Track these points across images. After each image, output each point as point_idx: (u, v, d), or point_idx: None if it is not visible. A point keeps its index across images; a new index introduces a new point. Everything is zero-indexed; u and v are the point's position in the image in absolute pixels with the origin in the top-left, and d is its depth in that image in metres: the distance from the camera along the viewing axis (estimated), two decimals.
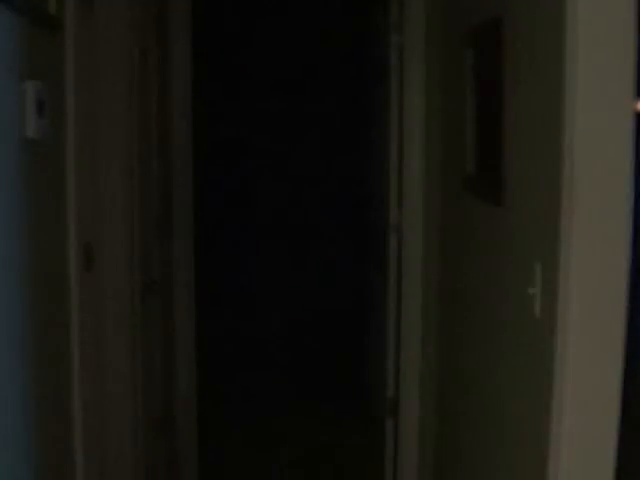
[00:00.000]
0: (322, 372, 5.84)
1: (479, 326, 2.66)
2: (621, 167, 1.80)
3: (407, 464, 3.58)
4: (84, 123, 2.46)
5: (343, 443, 4.65)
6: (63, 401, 2.25)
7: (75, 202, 2.31)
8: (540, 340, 1.97)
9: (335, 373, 5.78)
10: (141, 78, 3.08)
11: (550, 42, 1.91)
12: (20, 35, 1.84)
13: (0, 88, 1.72)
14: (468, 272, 2.86)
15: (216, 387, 5.22)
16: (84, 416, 2.36)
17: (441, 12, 3.28)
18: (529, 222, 2.09)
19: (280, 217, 6.36)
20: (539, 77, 2.01)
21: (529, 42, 2.10)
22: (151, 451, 3.29)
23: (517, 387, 2.20)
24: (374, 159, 4.20)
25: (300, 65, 6.19)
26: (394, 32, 3.48)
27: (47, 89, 2.01)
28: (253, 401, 5.33)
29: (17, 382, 1.83)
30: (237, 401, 5.31)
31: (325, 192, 6.30)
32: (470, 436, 2.80)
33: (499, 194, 2.33)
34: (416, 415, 3.54)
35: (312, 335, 6.29)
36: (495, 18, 2.36)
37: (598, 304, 1.82)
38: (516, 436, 2.20)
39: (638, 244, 2.00)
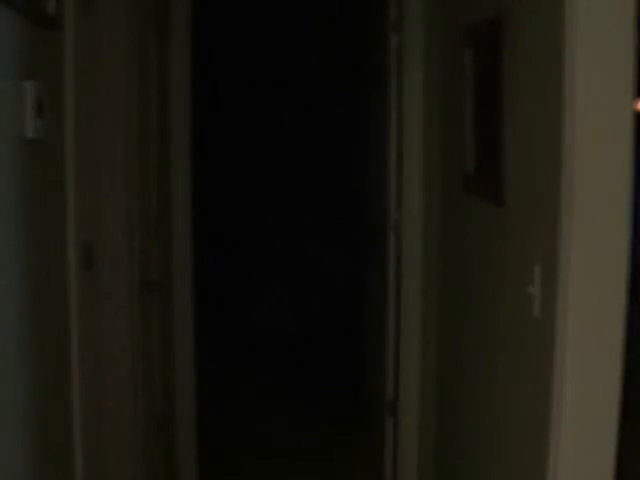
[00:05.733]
0: (322, 372, 5.84)
1: (478, 326, 2.66)
2: (621, 167, 1.80)
3: (407, 464, 3.58)
4: (83, 123, 2.46)
5: (343, 443, 4.65)
6: (63, 401, 2.25)
7: (75, 202, 2.30)
8: (539, 340, 1.97)
9: (335, 373, 5.78)
10: (141, 77, 3.08)
11: (550, 42, 1.91)
12: (19, 35, 1.84)
13: None
14: (468, 272, 2.86)
15: (216, 387, 5.22)
16: (84, 416, 2.36)
17: (440, 12, 3.28)
18: (529, 222, 2.09)
19: (280, 217, 6.36)
20: (539, 77, 2.01)
21: (529, 42, 2.10)
22: (151, 451, 3.29)
23: (516, 387, 2.20)
24: (374, 159, 4.20)
25: (299, 65, 6.19)
26: (393, 32, 3.47)
27: (46, 89, 2.01)
28: (253, 401, 5.33)
29: (17, 382, 1.82)
30: (237, 401, 5.31)
31: (324, 192, 6.30)
32: (470, 436, 2.80)
33: (499, 194, 2.33)
34: (416, 415, 3.54)
35: (312, 335, 6.29)
36: (494, 18, 2.36)
37: (597, 304, 1.82)
38: (516, 436, 2.20)
39: (638, 244, 2.00)
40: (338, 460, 4.44)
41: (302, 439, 4.72)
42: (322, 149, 6.25)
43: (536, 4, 2.04)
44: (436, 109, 3.35)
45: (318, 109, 6.22)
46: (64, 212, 2.27)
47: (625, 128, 1.79)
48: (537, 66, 2.03)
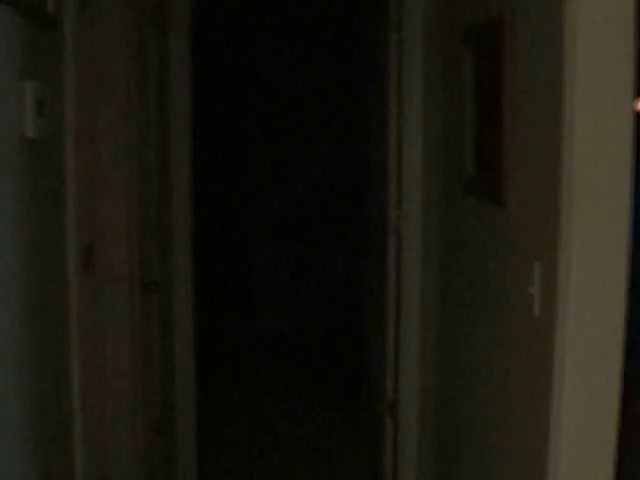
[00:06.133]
0: (322, 372, 5.85)
1: (479, 325, 2.66)
2: (621, 167, 1.80)
3: (406, 464, 3.58)
4: (83, 123, 2.46)
5: (343, 443, 4.65)
6: (63, 401, 2.25)
7: (75, 202, 2.30)
8: (539, 339, 1.97)
9: (335, 373, 5.78)
10: (141, 78, 3.08)
11: (550, 42, 1.91)
12: (19, 35, 1.84)
13: None
14: (468, 272, 2.85)
15: (216, 387, 5.22)
16: (84, 416, 2.36)
17: (441, 11, 3.27)
18: (529, 222, 2.09)
19: (280, 217, 6.36)
20: (539, 77, 2.01)
21: (529, 42, 2.10)
22: (151, 451, 3.29)
23: (516, 386, 2.20)
24: (373, 159, 4.19)
25: (299, 64, 6.19)
26: (393, 31, 3.47)
27: (46, 89, 2.01)
28: (252, 401, 5.33)
29: (17, 382, 1.82)
30: (236, 401, 5.31)
31: (324, 192, 6.30)
32: (470, 436, 2.80)
33: (499, 194, 2.33)
34: (416, 415, 3.54)
35: (311, 335, 6.30)
36: (495, 17, 2.36)
37: (597, 303, 1.82)
38: (516, 435, 2.20)
39: (637, 244, 2.00)
40: (338, 460, 4.44)
41: (302, 439, 4.72)
42: (322, 149, 6.25)
43: (536, 4, 2.04)
44: (436, 108, 3.35)
45: (318, 109, 6.22)
46: (64, 212, 2.27)
47: (625, 128, 1.79)
48: (537, 66, 2.03)
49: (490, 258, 2.51)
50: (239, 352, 6.15)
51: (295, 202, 6.33)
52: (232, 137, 6.29)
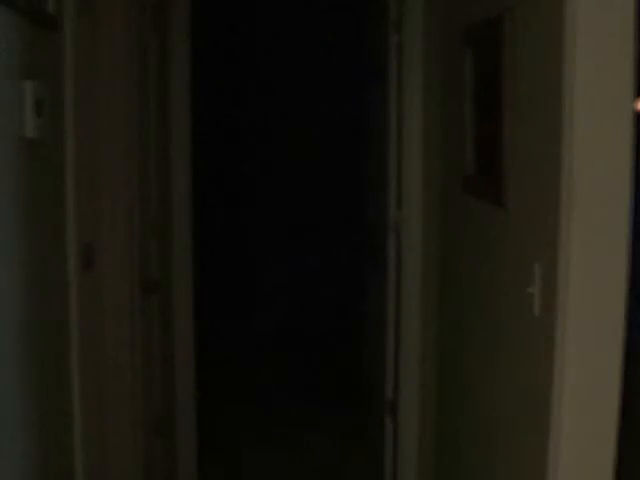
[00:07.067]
0: (321, 372, 5.84)
1: (479, 325, 2.66)
2: (621, 167, 1.80)
3: (407, 464, 3.58)
4: (83, 123, 2.46)
5: (342, 443, 4.65)
6: (63, 401, 2.25)
7: (75, 202, 2.30)
8: (539, 339, 1.97)
9: (334, 373, 5.78)
10: (141, 78, 3.08)
11: (550, 41, 1.91)
12: (19, 35, 1.84)
13: None
14: (468, 272, 2.86)
15: (216, 387, 5.22)
16: (84, 416, 2.36)
17: (441, 11, 3.27)
18: (528, 222, 2.09)
19: (280, 217, 6.36)
20: (539, 77, 2.01)
21: (529, 42, 2.10)
22: (151, 451, 3.29)
23: (516, 386, 2.20)
24: (373, 159, 4.19)
25: (299, 64, 6.19)
26: (393, 31, 3.47)
27: (46, 89, 2.01)
28: (252, 401, 5.33)
29: (17, 382, 1.82)
30: (236, 401, 5.31)
31: (324, 192, 6.30)
32: (469, 436, 2.80)
33: (499, 194, 2.33)
34: (416, 415, 3.53)
35: (311, 335, 6.29)
36: (495, 18, 2.36)
37: (597, 303, 1.82)
38: (515, 436, 2.20)
39: (637, 244, 1.99)
40: (338, 460, 4.44)
41: (302, 439, 4.72)
42: (322, 149, 6.25)
43: (536, 4, 2.04)
44: (436, 109, 3.35)
45: (318, 109, 6.22)
46: (64, 212, 2.27)
47: (625, 128, 1.79)
48: (537, 66, 2.03)
49: (490, 258, 2.51)
50: (239, 352, 6.15)
51: (295, 202, 6.33)
52: (232, 137, 6.29)
